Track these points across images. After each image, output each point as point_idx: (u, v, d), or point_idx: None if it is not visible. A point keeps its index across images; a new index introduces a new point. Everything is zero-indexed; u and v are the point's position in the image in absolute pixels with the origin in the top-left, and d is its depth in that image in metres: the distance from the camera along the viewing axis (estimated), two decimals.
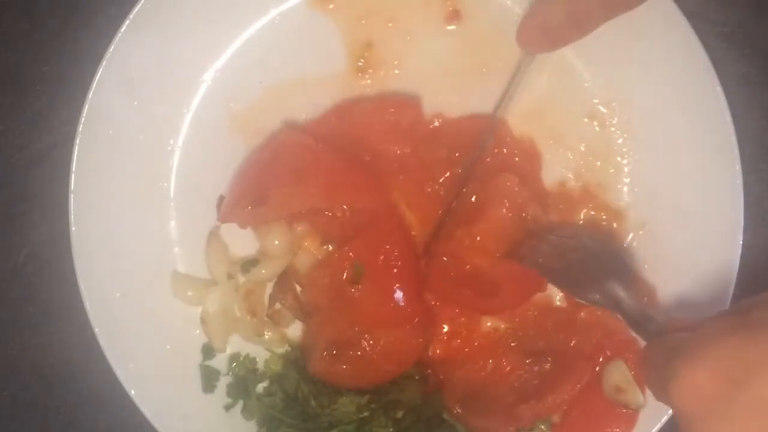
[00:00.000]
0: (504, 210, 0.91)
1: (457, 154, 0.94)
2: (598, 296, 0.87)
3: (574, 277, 0.89)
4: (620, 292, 0.86)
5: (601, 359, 0.91)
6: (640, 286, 0.93)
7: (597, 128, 0.96)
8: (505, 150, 0.95)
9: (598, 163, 0.96)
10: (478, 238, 0.91)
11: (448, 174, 0.94)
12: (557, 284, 0.92)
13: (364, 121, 0.94)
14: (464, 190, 0.94)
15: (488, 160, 0.95)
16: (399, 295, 0.90)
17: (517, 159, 0.95)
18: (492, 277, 0.92)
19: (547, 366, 0.92)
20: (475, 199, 0.94)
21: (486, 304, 0.92)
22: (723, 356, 0.63)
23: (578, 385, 0.89)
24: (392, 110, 0.94)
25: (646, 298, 0.92)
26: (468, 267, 0.92)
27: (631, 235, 0.96)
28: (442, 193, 0.95)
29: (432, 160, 0.95)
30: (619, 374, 0.90)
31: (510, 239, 0.91)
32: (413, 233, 0.95)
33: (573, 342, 0.92)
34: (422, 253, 0.94)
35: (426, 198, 0.95)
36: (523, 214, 0.92)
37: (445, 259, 0.92)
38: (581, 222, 0.96)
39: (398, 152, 0.94)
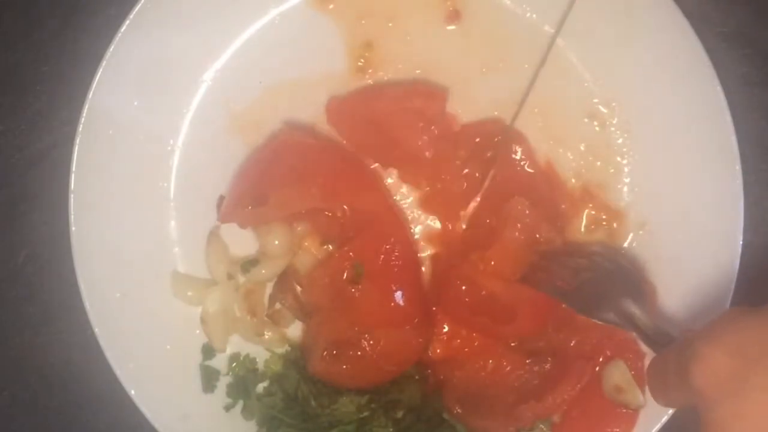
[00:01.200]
0: (517, 233, 0.90)
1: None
2: (612, 315, 0.87)
3: (588, 297, 0.88)
4: (635, 310, 0.86)
5: (601, 359, 0.91)
6: (650, 294, 0.93)
7: (597, 128, 0.96)
8: (525, 164, 0.95)
9: (598, 163, 0.96)
10: (493, 263, 0.91)
11: (466, 171, 0.95)
12: (571, 305, 0.90)
13: (390, 106, 0.93)
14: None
15: (497, 177, 0.95)
16: (399, 295, 0.90)
17: (532, 171, 0.95)
18: (507, 303, 0.91)
19: (547, 366, 0.92)
20: (489, 223, 0.94)
21: (502, 330, 0.92)
22: (739, 338, 0.67)
23: (578, 385, 0.89)
24: (420, 98, 0.93)
25: (650, 301, 0.92)
26: (483, 293, 0.91)
27: (631, 235, 0.96)
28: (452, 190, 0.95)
29: (448, 158, 0.94)
30: (618, 374, 0.90)
31: (524, 262, 0.91)
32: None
33: (573, 342, 0.92)
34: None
35: (432, 194, 0.96)
36: (537, 236, 0.91)
37: (463, 287, 0.91)
38: (592, 240, 0.95)
39: (418, 143, 0.93)
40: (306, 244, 0.95)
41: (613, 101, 0.95)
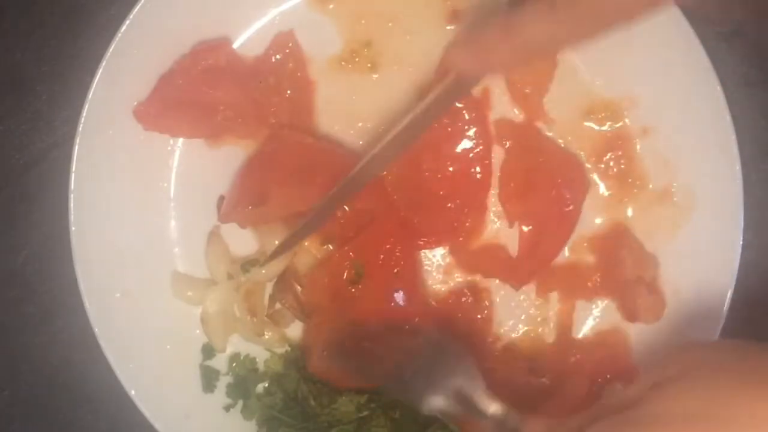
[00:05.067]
0: None
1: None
2: (449, 401, 0.83)
3: (421, 385, 0.84)
4: (471, 391, 0.82)
5: (599, 380, 0.91)
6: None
7: (596, 128, 0.96)
8: None
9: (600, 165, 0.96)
10: None
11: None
12: (401, 396, 0.87)
13: (186, 82, 0.93)
14: None
15: None
16: (399, 295, 0.90)
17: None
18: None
19: (545, 381, 0.92)
20: None
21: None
22: None
23: (572, 401, 0.89)
24: (205, 57, 0.93)
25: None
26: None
27: None
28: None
29: (261, 93, 0.94)
30: None
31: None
32: None
33: (573, 359, 0.92)
34: None
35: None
36: None
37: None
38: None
39: (225, 97, 0.93)
40: (306, 244, 0.95)
41: (612, 102, 0.95)
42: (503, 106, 0.96)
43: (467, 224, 0.95)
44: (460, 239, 0.95)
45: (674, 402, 0.63)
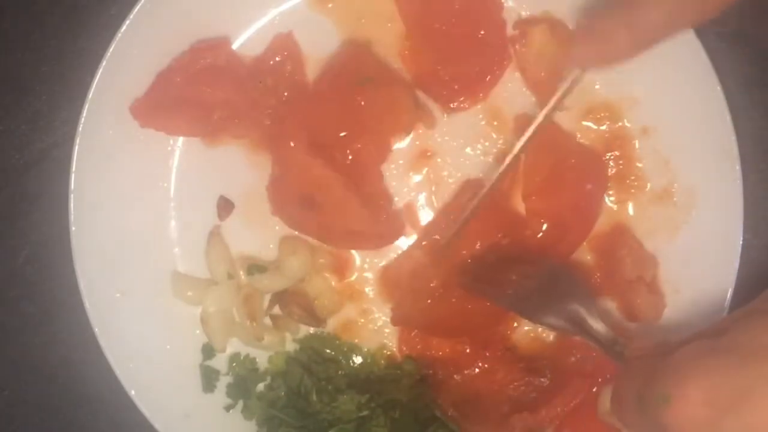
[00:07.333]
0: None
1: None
2: (561, 321, 0.86)
3: (537, 304, 0.88)
4: (584, 315, 0.85)
5: (600, 380, 0.91)
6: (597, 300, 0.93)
7: (595, 128, 0.96)
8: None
9: None
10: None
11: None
12: (520, 313, 0.90)
13: (185, 80, 0.93)
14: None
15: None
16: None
17: None
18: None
19: (546, 380, 0.92)
20: None
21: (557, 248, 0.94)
22: (711, 380, 0.64)
23: (573, 402, 0.89)
24: (205, 55, 0.93)
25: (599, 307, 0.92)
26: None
27: None
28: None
29: (259, 94, 0.94)
30: None
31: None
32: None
33: (573, 359, 0.92)
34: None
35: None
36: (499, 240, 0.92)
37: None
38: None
39: (222, 96, 0.93)
40: (326, 275, 0.96)
41: (612, 102, 0.95)
42: (524, 100, 0.96)
43: (487, 78, 0.94)
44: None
45: (760, 333, 0.65)
